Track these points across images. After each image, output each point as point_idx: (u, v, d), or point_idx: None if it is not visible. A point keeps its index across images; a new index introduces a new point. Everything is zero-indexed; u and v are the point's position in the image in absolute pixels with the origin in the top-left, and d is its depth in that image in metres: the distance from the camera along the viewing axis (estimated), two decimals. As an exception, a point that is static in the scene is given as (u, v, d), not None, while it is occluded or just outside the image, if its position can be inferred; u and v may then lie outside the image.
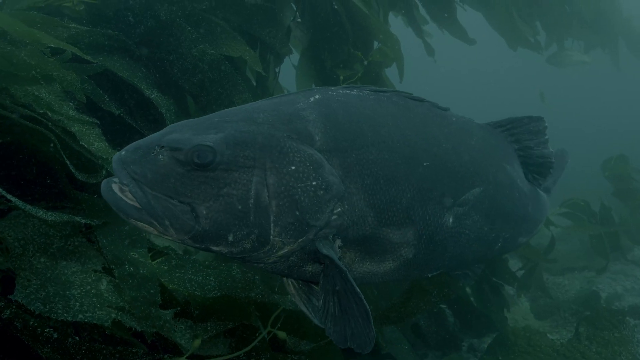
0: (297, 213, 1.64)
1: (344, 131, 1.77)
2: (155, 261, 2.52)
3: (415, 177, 1.88)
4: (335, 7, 3.69)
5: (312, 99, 1.80)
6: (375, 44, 3.78)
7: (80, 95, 2.16)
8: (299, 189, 1.64)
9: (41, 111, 2.09)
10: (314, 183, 1.65)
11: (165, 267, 2.46)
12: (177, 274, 2.43)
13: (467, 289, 4.39)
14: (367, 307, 1.67)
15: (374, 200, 1.79)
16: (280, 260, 1.75)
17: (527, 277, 4.14)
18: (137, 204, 1.55)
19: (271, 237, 1.63)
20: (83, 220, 2.18)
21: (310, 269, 1.81)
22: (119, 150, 2.34)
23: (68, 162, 2.17)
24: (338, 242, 1.79)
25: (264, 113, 1.72)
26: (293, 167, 1.64)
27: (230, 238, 1.60)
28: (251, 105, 1.80)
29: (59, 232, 2.34)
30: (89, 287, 2.26)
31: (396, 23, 5.02)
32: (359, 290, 1.66)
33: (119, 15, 2.63)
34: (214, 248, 1.63)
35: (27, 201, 2.52)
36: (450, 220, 2.01)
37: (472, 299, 4.22)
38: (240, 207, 1.58)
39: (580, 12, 5.55)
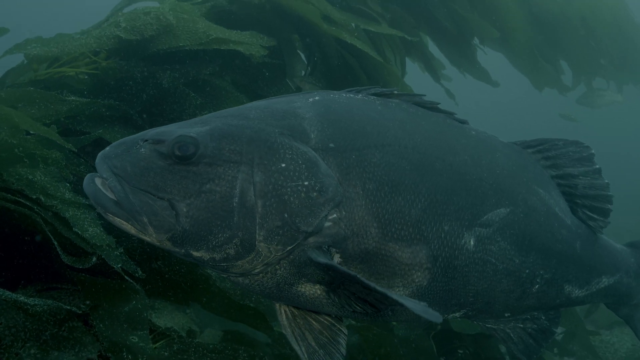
0: (286, 216, 1.48)
1: (344, 130, 1.62)
2: (156, 344, 2.35)
3: (426, 186, 1.67)
4: (348, 60, 3.58)
5: (310, 99, 1.68)
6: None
7: (66, 173, 2.07)
8: (289, 189, 1.49)
9: (34, 197, 2.01)
10: (306, 183, 1.50)
11: (165, 353, 2.28)
12: (178, 361, 2.24)
13: (502, 348, 4.03)
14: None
15: (377, 208, 1.59)
16: (268, 274, 1.56)
17: (569, 340, 3.76)
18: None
19: (256, 242, 1.47)
20: (68, 307, 2.04)
21: (304, 290, 1.60)
22: (114, 234, 2.20)
23: (57, 247, 2.05)
24: (337, 258, 1.58)
25: (256, 110, 1.61)
26: (283, 165, 1.50)
27: (212, 241, 1.46)
28: (246, 105, 1.71)
29: (53, 317, 2.22)
30: (81, 380, 2.09)
31: (413, 68, 4.90)
32: (379, 288, 1.44)
33: (120, 84, 2.57)
34: (195, 254, 1.49)
35: (23, 283, 2.41)
36: (472, 242, 1.77)
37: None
38: (223, 205, 1.45)
39: (607, 46, 5.30)
